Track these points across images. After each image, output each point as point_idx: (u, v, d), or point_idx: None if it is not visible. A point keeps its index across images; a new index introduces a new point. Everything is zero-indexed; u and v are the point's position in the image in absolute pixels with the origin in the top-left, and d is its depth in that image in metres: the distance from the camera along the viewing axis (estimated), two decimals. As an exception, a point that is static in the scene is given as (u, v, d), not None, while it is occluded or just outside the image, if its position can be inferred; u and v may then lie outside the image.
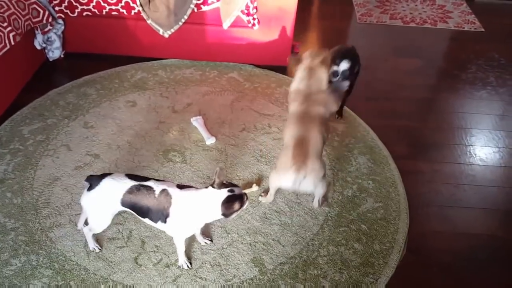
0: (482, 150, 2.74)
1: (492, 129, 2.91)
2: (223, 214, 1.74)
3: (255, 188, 2.36)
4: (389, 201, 2.32)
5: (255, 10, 3.00)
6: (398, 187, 2.40)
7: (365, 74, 3.38)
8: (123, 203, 1.80)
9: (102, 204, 1.83)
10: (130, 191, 1.78)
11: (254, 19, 3.04)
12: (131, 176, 1.83)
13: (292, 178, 1.99)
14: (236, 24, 3.06)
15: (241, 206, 1.75)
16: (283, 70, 3.32)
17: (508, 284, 2.03)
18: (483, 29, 4.01)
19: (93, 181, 1.82)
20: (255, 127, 2.79)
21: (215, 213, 1.74)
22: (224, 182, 1.75)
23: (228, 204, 1.71)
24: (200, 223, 1.86)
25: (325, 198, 2.30)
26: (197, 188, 1.83)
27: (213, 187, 1.74)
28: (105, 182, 1.80)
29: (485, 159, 2.68)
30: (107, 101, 2.94)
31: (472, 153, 2.71)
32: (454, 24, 4.07)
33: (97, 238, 2.07)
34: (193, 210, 1.77)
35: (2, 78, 2.71)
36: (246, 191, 2.34)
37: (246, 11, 3.00)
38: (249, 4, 2.96)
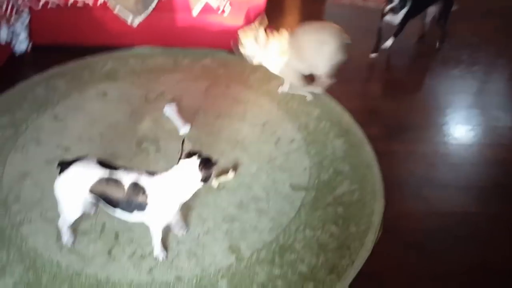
0: (456, 129, 2.77)
1: (466, 107, 2.93)
2: (203, 180, 1.73)
3: (231, 175, 2.33)
4: (364, 183, 2.33)
5: (226, -5, 2.95)
6: (373, 169, 2.41)
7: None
8: (92, 192, 1.76)
9: (70, 191, 1.79)
10: (100, 182, 1.74)
11: (224, 4, 2.98)
12: (102, 164, 1.80)
13: None
14: (206, 10, 3.01)
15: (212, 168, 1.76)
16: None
17: (483, 258, 2.05)
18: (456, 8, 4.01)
19: (64, 166, 1.78)
20: (230, 114, 2.76)
21: (194, 182, 1.74)
22: (189, 152, 1.75)
23: (206, 166, 1.71)
24: (181, 200, 1.82)
25: None
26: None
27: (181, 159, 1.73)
28: (74, 168, 1.76)
29: (459, 137, 2.71)
30: (77, 93, 2.86)
31: (446, 132, 2.73)
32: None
33: (70, 232, 2.03)
34: (171, 190, 1.75)
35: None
36: (222, 179, 2.31)
37: (216, -3, 2.95)
38: (220, -11, 2.91)
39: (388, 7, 3.11)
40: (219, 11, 3.01)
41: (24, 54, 3.16)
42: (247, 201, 2.22)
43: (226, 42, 3.23)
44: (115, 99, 2.83)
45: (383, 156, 2.49)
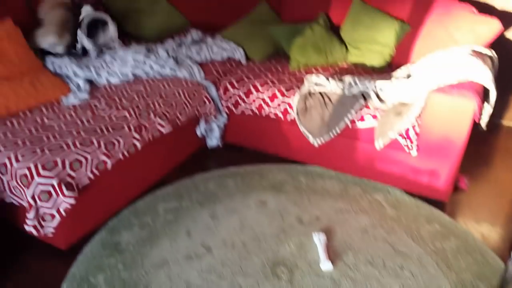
0: None
1: None
2: None
3: None
4: None
5: (415, 136, 2.72)
6: None
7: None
8: None
9: None
10: None
11: (412, 143, 2.75)
12: None
13: None
14: (391, 145, 2.82)
15: None
16: (439, 205, 2.86)
17: None
18: None
19: None
20: (384, 264, 2.39)
21: None
22: None
23: None
24: None
25: None
26: None
27: None
28: None
29: None
30: (240, 196, 2.95)
31: None
32: None
33: None
34: None
35: (160, 154, 2.99)
36: None
37: (405, 135, 2.74)
38: (410, 128, 2.70)
39: None
40: (406, 149, 2.78)
41: (213, 149, 3.48)
42: None
43: (406, 182, 2.96)
44: (271, 211, 2.80)
45: None
